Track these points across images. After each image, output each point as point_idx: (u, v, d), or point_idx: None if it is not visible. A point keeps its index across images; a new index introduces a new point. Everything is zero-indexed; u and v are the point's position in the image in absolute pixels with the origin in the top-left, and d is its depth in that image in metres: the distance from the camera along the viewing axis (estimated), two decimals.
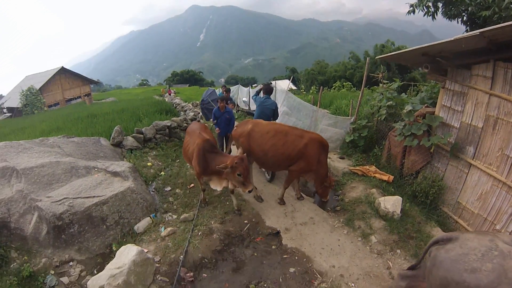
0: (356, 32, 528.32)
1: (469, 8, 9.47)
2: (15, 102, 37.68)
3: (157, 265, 4.65)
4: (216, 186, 5.65)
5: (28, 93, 36.53)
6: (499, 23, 3.91)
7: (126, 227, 5.58)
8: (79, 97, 45.11)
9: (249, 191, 5.12)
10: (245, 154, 5.32)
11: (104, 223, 5.34)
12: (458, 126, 5.78)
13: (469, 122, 5.53)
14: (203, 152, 5.51)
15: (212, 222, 5.64)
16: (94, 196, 5.46)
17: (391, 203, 5.75)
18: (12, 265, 4.63)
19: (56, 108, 38.25)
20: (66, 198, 5.29)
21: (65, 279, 4.66)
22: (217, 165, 5.16)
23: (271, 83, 10.56)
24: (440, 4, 10.27)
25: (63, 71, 43.26)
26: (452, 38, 4.75)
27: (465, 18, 10.37)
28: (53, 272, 4.71)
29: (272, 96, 8.91)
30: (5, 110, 41.48)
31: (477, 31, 4.31)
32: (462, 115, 5.67)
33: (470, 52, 5.24)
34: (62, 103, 42.26)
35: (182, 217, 5.87)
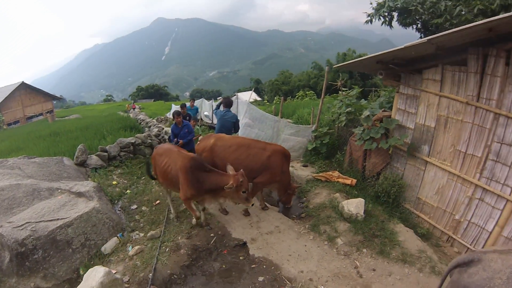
0: (320, 42, 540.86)
1: (423, 17, 10.03)
2: None
3: (126, 285, 4.56)
4: (208, 204, 5.68)
5: None
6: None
7: (93, 249, 5.40)
8: (41, 114, 43.27)
9: (252, 205, 5.28)
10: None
11: (70, 247, 5.14)
12: (413, 127, 6.13)
13: (423, 123, 5.90)
14: (193, 172, 5.22)
15: (179, 238, 5.61)
16: (58, 219, 5.27)
17: (354, 205, 5.93)
18: None
19: (16, 126, 36.41)
20: (29, 222, 5.06)
21: None
22: (214, 184, 5.11)
23: (236, 95, 10.70)
24: (395, 14, 10.82)
25: (23, 87, 41.26)
26: (403, 46, 5.08)
27: (419, 25, 10.97)
28: None
29: (234, 108, 9.00)
30: None
31: (425, 39, 4.66)
32: (416, 116, 6.03)
33: (421, 58, 5.63)
34: (23, 121, 40.25)
35: (149, 234, 5.79)
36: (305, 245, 5.37)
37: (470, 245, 5.23)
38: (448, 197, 5.56)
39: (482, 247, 5.00)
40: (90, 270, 4.26)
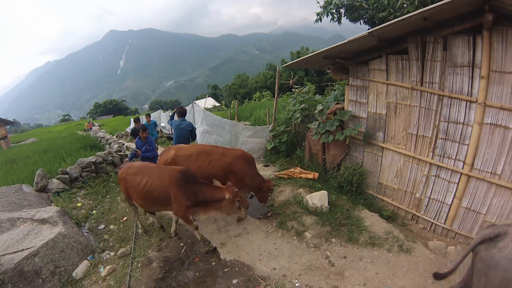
0: (274, 43, 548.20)
1: (368, 12, 10.47)
2: None
3: None
4: (198, 217, 5.40)
5: None
6: None
7: (64, 276, 5.21)
8: None
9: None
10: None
11: (39, 277, 4.94)
12: (366, 116, 6.40)
13: (374, 111, 6.19)
14: (186, 183, 5.01)
15: (150, 251, 5.55)
16: (23, 249, 5.06)
17: (318, 198, 6.08)
18: None
19: None
20: None
21: None
22: (208, 197, 5.02)
23: (193, 103, 10.68)
24: (342, 10, 11.23)
25: None
26: (346, 40, 5.34)
27: (366, 20, 11.44)
28: None
29: (191, 117, 9.01)
30: None
31: (366, 32, 4.96)
32: (367, 106, 6.31)
33: (365, 50, 5.93)
34: None
35: (119, 252, 5.68)
36: (275, 243, 5.44)
37: (433, 219, 5.54)
38: (407, 178, 5.86)
39: (445, 220, 5.35)
40: None
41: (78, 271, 5.33)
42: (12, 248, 5.09)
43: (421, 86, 5.28)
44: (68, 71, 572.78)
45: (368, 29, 11.67)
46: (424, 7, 8.71)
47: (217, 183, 5.17)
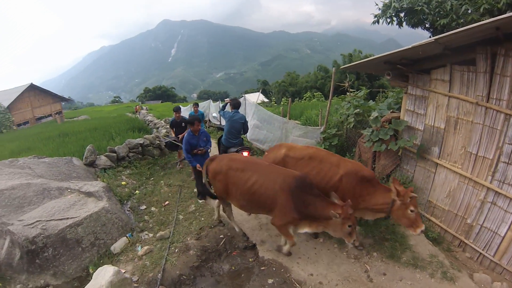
0: (325, 43, 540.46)
1: (429, 17, 9.98)
2: None
3: (135, 284, 4.60)
4: (301, 230, 4.74)
5: None
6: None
7: (102, 248, 5.47)
8: (50, 115, 44.11)
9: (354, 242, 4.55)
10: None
11: (80, 245, 5.22)
12: (422, 129, 6.04)
13: (432, 124, 5.82)
14: (298, 193, 4.37)
15: (188, 239, 5.64)
16: (68, 218, 5.34)
17: None
18: None
19: (25, 127, 37.03)
20: (39, 221, 5.15)
21: None
22: (319, 212, 4.38)
23: (243, 96, 10.74)
24: (402, 14, 10.79)
25: (32, 88, 42.11)
26: (410, 46, 5.03)
27: (427, 25, 10.92)
28: None
29: (242, 110, 9.01)
30: None
31: (432, 38, 4.62)
32: (425, 117, 5.95)
33: (429, 58, 5.55)
34: (32, 122, 40.98)
35: (158, 235, 5.83)
36: (315, 248, 5.35)
37: (482, 250, 5.12)
38: (459, 200, 5.45)
39: (494, 253, 4.92)
40: (99, 269, 4.30)
41: (116, 246, 5.56)
42: (57, 215, 5.39)
43: (487, 102, 4.84)
44: (121, 56, 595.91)
45: (430, 36, 11.15)
46: (489, 15, 8.33)
47: (334, 197, 4.51)
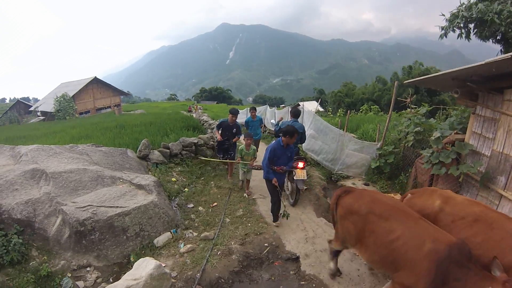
0: (384, 53, 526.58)
1: (501, 28, 9.26)
2: (49, 107, 39.98)
3: (173, 280, 4.62)
4: None
5: (62, 99, 38.53)
6: None
7: (146, 240, 5.61)
8: (109, 107, 47.18)
9: None
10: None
11: (125, 234, 5.39)
12: (489, 155, 5.52)
13: (501, 150, 5.27)
14: (446, 266, 3.21)
15: (232, 243, 5.60)
16: (117, 207, 5.55)
17: None
18: (32, 263, 4.78)
19: (86, 116, 40.03)
20: (91, 205, 5.42)
21: (80, 283, 4.74)
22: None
23: (299, 105, 10.65)
24: (471, 26, 10.10)
25: (95, 81, 45.53)
26: (483, 62, 4.58)
27: (498, 37, 10.15)
28: (69, 275, 4.80)
29: (299, 118, 8.92)
30: (39, 114, 43.88)
31: (509, 54, 4.17)
32: (494, 142, 5.42)
33: (503, 76, 5.02)
34: (93, 112, 44.25)
35: (202, 235, 5.85)
36: (358, 269, 5.07)
37: None
38: None
39: None
40: (141, 260, 4.39)
41: (160, 240, 5.67)
42: (108, 203, 5.62)
43: None
44: (179, 56, 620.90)
45: (501, 48, 10.34)
46: None
47: (496, 267, 3.09)
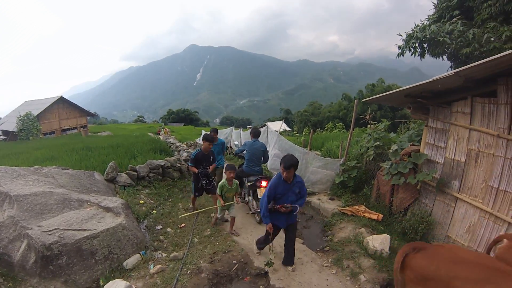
0: (349, 72, 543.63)
1: (452, 47, 10.00)
2: (11, 126, 37.41)
3: None
4: None
5: (25, 118, 36.52)
6: (481, 59, 4.17)
7: (115, 263, 5.51)
8: (75, 128, 45.49)
9: None
10: None
11: (93, 257, 5.29)
12: (442, 162, 5.95)
13: (453, 157, 5.72)
14: None
15: (201, 262, 5.62)
16: (85, 230, 5.45)
17: (379, 242, 5.76)
18: None
19: (51, 137, 38.19)
20: (57, 229, 5.29)
21: None
22: None
23: (265, 124, 10.90)
24: (425, 45, 10.88)
25: (61, 101, 43.78)
26: (430, 80, 5.06)
27: (449, 55, 10.97)
28: None
29: (263, 138, 9.16)
30: (0, 133, 41.39)
31: (452, 72, 4.62)
32: (445, 151, 5.87)
33: (449, 90, 5.54)
34: (58, 132, 42.39)
35: (172, 255, 5.84)
36: (327, 279, 5.22)
37: None
38: (479, 235, 5.25)
39: None
40: (110, 282, 4.36)
41: (129, 262, 5.60)
42: (75, 226, 5.51)
43: (509, 134, 4.76)
44: (148, 77, 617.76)
45: (451, 65, 11.15)
46: (511, 41, 8.16)
47: None
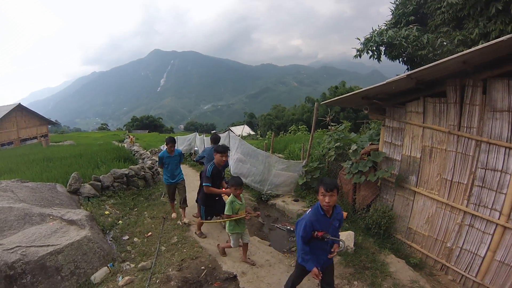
0: (312, 75, 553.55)
1: (407, 49, 10.55)
2: None
3: None
4: None
5: None
6: (435, 61, 4.50)
7: (82, 278, 5.33)
8: (35, 137, 43.32)
9: None
10: None
11: (59, 274, 5.10)
12: (399, 159, 6.29)
13: (409, 154, 6.08)
14: None
15: (170, 270, 5.57)
16: (48, 245, 5.25)
17: (344, 238, 5.92)
18: None
19: (9, 148, 35.88)
20: (19, 246, 5.05)
21: None
22: None
23: (229, 129, 10.93)
24: (382, 48, 11.40)
25: (20, 108, 41.49)
26: (385, 82, 5.41)
27: (405, 58, 11.54)
28: None
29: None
30: None
31: (404, 74, 4.98)
32: (402, 148, 6.21)
33: (403, 92, 5.90)
34: (17, 143, 39.96)
35: (140, 265, 5.74)
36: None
37: (464, 271, 5.21)
38: (438, 225, 5.61)
39: (476, 273, 5.03)
40: None
41: (97, 276, 5.45)
42: (38, 242, 5.28)
43: (459, 130, 5.16)
44: (111, 83, 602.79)
45: (407, 67, 11.74)
46: (463, 45, 8.84)
47: None
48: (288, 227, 5.58)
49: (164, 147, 8.53)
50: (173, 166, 7.71)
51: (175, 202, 8.07)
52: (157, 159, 9.75)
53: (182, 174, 8.03)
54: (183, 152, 9.53)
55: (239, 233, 5.57)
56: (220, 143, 7.98)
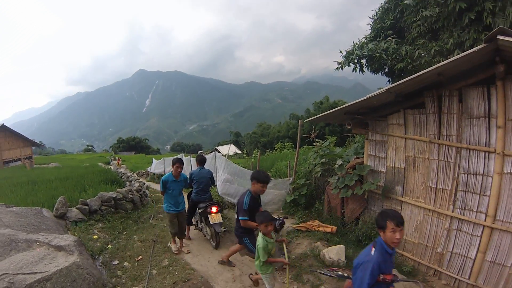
0: (296, 91, 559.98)
1: (388, 62, 10.91)
2: None
3: None
4: None
5: None
6: (414, 73, 4.71)
7: None
8: (19, 159, 42.17)
9: None
10: None
11: None
12: (384, 171, 6.43)
13: (393, 165, 6.23)
14: None
15: None
16: (36, 272, 5.13)
17: (335, 252, 5.99)
18: None
19: None
20: (6, 274, 4.91)
21: None
22: None
23: (215, 149, 10.97)
24: (364, 61, 11.76)
25: (3, 129, 40.20)
26: (365, 97, 5.63)
27: (386, 70, 11.90)
28: None
29: (212, 163, 9.24)
30: None
31: (384, 89, 5.19)
32: (386, 160, 6.37)
33: (384, 105, 6.10)
34: (0, 165, 38.81)
35: None
36: None
37: (457, 275, 5.28)
38: (427, 232, 5.71)
39: (469, 275, 5.10)
40: None
41: None
42: (25, 269, 5.15)
43: (439, 139, 5.35)
44: (96, 104, 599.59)
45: (388, 79, 12.06)
46: (440, 56, 9.17)
47: None
48: (340, 273, 4.84)
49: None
50: (177, 193, 7.08)
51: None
52: (144, 181, 9.59)
53: (184, 204, 7.36)
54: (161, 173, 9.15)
55: (269, 272, 4.80)
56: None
